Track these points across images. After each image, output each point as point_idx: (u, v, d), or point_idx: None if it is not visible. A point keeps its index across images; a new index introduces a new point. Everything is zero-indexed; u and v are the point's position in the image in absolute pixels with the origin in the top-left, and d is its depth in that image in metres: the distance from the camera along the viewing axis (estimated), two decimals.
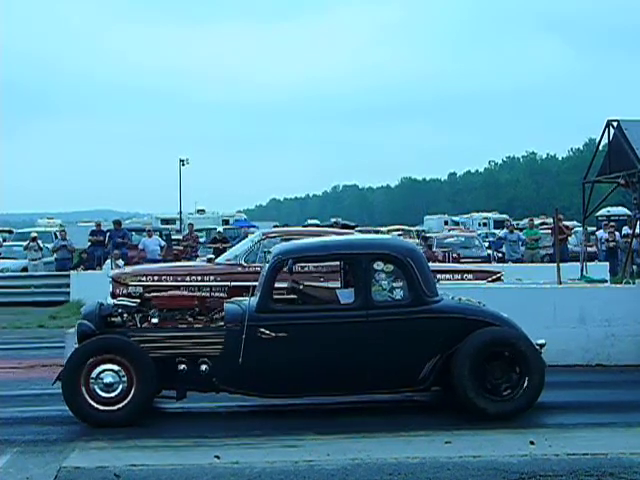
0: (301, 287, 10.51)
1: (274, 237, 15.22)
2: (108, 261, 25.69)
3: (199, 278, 15.37)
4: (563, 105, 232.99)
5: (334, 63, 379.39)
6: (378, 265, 9.60)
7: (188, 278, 15.39)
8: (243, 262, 14.96)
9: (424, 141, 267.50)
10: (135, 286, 15.14)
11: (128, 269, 17.11)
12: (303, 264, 13.05)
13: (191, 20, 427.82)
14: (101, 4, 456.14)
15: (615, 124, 15.95)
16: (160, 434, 8.72)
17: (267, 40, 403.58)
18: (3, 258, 31.37)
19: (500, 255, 32.89)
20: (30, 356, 14.38)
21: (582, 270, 16.72)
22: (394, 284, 9.62)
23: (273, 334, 9.23)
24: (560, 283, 13.90)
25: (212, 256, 18.72)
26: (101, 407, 8.99)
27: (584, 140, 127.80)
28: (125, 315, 9.82)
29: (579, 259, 18.77)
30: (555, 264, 15.74)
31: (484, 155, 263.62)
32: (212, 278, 15.36)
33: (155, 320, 9.64)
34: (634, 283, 13.58)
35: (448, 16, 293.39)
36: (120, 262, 24.63)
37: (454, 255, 31.30)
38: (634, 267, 23.03)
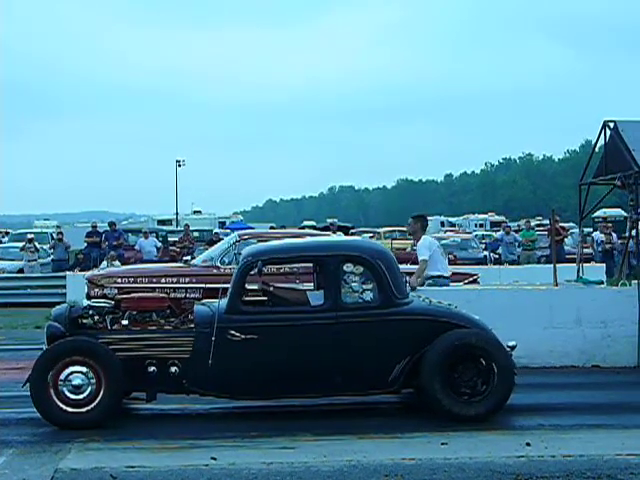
0: (271, 289, 10.48)
1: (250, 239, 15.23)
2: (104, 262, 25.67)
3: (174, 280, 15.39)
4: (560, 106, 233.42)
5: (331, 64, 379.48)
6: (348, 267, 9.61)
7: (163, 280, 15.39)
8: (218, 264, 14.98)
9: (420, 142, 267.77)
10: (110, 288, 15.15)
11: (103, 271, 17.14)
12: (279, 266, 13.09)
13: (190, 22, 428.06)
14: (101, 5, 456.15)
15: (611, 125, 15.90)
16: (156, 435, 8.71)
17: (264, 41, 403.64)
18: None
19: (496, 256, 32.87)
20: (26, 357, 14.29)
21: (578, 271, 16.68)
22: (364, 286, 9.62)
23: (242, 336, 9.22)
24: (556, 284, 13.89)
25: (188, 257, 18.75)
26: (70, 409, 8.96)
27: (580, 141, 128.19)
28: (96, 317, 9.80)
29: (575, 260, 18.76)
30: (551, 265, 15.74)
31: (480, 156, 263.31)
32: (187, 280, 15.36)
33: (125, 322, 9.61)
34: (630, 285, 13.57)
35: (445, 18, 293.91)
36: (117, 263, 24.62)
37: (450, 257, 31.30)
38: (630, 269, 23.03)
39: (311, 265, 11.04)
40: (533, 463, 7.57)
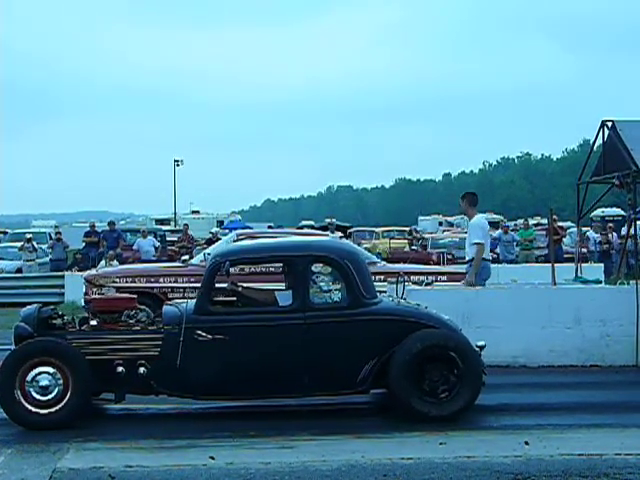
0: (240, 289, 10.45)
1: (248, 238, 15.24)
2: (102, 262, 25.68)
3: (172, 279, 15.43)
4: (558, 106, 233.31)
5: (330, 64, 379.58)
6: (316, 267, 9.63)
7: (161, 279, 15.44)
8: None
9: (419, 142, 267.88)
10: (108, 287, 15.17)
11: (101, 270, 17.18)
12: (245, 266, 13.10)
13: (190, 22, 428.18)
14: (101, 5, 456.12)
15: (610, 124, 15.93)
16: (154, 435, 8.69)
17: (265, 41, 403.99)
18: None
19: (495, 256, 32.85)
20: None
21: (577, 271, 16.71)
22: (332, 286, 9.63)
23: (210, 336, 9.20)
24: (555, 284, 13.92)
25: (186, 257, 18.79)
26: (37, 410, 8.92)
27: (579, 141, 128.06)
28: (65, 317, 9.82)
29: (574, 260, 18.78)
30: (549, 265, 15.76)
31: (479, 156, 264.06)
32: (185, 279, 15.40)
33: (94, 322, 9.60)
34: (629, 284, 13.57)
35: (444, 18, 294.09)
36: (115, 263, 24.62)
37: (448, 256, 31.34)
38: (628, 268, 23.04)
39: (281, 265, 11.03)
40: (532, 462, 7.55)
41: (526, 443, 8.13)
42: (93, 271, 17.54)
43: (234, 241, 15.23)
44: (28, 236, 31.49)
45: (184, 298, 13.67)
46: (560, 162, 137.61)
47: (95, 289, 15.49)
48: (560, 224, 32.13)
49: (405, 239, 44.60)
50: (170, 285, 15.47)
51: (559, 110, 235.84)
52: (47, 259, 31.97)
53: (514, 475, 7.22)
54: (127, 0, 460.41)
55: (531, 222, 35.24)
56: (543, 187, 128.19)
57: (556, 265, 15.06)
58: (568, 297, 12.96)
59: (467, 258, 13.83)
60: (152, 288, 15.36)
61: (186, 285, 15.26)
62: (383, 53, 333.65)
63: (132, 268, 17.63)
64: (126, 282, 15.47)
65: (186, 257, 18.83)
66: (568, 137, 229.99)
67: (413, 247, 38.65)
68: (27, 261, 29.95)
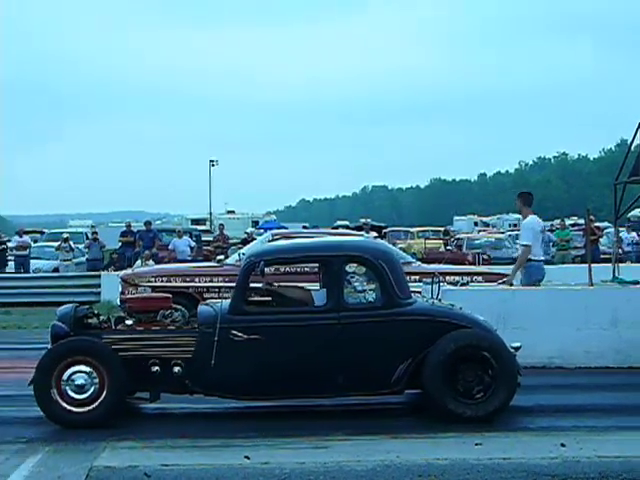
0: (275, 289, 10.43)
1: (283, 238, 15.25)
2: (138, 261, 25.82)
3: (207, 279, 15.48)
4: (595, 105, 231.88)
5: (366, 63, 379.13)
6: (350, 267, 9.58)
7: (197, 279, 15.51)
8: None
9: (454, 141, 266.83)
10: (144, 287, 15.25)
11: (137, 270, 17.26)
12: (280, 266, 13.16)
13: (226, 21, 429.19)
14: (137, 5, 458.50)
15: None
16: (190, 434, 8.73)
17: (296, 41, 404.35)
18: (35, 259, 31.57)
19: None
20: None
21: (614, 271, 16.57)
22: (367, 286, 9.59)
23: (245, 336, 9.21)
24: (592, 284, 13.80)
25: (222, 257, 18.84)
26: (73, 409, 8.98)
27: (616, 140, 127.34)
28: (101, 317, 9.88)
29: (610, 260, 18.63)
30: (586, 265, 15.63)
31: (514, 155, 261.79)
32: (220, 279, 15.45)
33: (129, 322, 9.65)
34: None
35: (477, 14, 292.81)
36: (151, 262, 24.75)
37: (484, 256, 31.24)
38: None
39: (317, 265, 11.05)
40: (568, 464, 7.51)
41: (562, 445, 8.08)
42: (129, 270, 17.67)
43: (269, 241, 15.25)
44: (65, 236, 31.70)
45: (219, 298, 13.66)
46: (597, 162, 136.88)
47: (131, 288, 15.59)
48: (597, 224, 31.93)
49: (440, 239, 44.47)
50: (205, 285, 15.53)
51: (596, 109, 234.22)
52: (84, 259, 32.19)
53: (550, 477, 7.19)
54: (160, 2, 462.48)
55: (568, 222, 35.07)
56: (580, 187, 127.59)
57: (593, 265, 14.92)
58: (605, 298, 12.87)
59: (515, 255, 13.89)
60: (187, 288, 15.43)
61: (221, 285, 15.30)
62: (414, 52, 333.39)
63: (168, 268, 17.74)
64: (162, 282, 15.55)
65: (221, 257, 18.89)
66: (605, 137, 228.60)
67: (448, 247, 38.52)
68: (64, 261, 30.16)
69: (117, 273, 20.67)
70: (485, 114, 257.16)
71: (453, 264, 19.86)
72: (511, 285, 13.05)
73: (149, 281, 15.62)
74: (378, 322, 9.33)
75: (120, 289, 16.23)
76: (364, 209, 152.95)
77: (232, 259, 16.74)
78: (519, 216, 67.87)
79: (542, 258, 13.72)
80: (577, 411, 9.87)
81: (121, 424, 9.05)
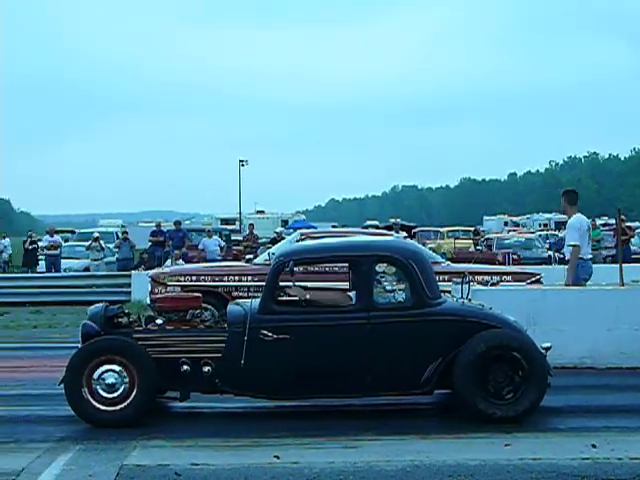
0: (304, 289, 10.41)
1: (311, 238, 15.25)
2: (168, 261, 25.90)
3: (236, 278, 15.52)
4: (626, 104, 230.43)
5: (394, 64, 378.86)
6: (380, 267, 9.57)
7: (226, 278, 15.55)
8: None
9: (484, 141, 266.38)
10: (173, 286, 15.32)
11: (166, 269, 17.33)
12: (311, 266, 13.17)
13: (254, 21, 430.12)
14: (165, 6, 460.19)
15: None
16: (219, 433, 8.76)
17: (329, 42, 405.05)
18: (66, 258, 31.77)
19: (561, 256, 32.44)
20: None
21: None
22: (396, 286, 9.58)
23: (275, 336, 9.20)
24: (623, 284, 13.70)
25: (251, 256, 18.86)
26: (103, 407, 9.02)
27: None
28: (131, 316, 9.92)
29: None
30: (617, 265, 15.54)
31: (545, 155, 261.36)
32: (249, 278, 15.49)
33: (159, 321, 9.70)
34: None
35: (506, 14, 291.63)
36: (181, 262, 24.84)
37: (514, 256, 31.11)
38: None
39: (346, 265, 11.03)
40: (599, 465, 7.47)
41: (593, 446, 8.03)
42: (159, 270, 17.73)
43: (297, 241, 15.26)
44: (95, 235, 31.87)
45: (248, 297, 13.70)
46: (628, 162, 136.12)
47: (160, 288, 15.66)
48: (628, 224, 31.73)
49: (470, 239, 44.36)
50: (234, 284, 15.57)
51: (627, 109, 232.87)
52: (114, 258, 32.35)
53: (581, 478, 7.14)
54: (189, 1, 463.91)
55: (598, 222, 34.90)
56: (610, 187, 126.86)
57: (624, 265, 14.81)
58: (636, 298, 12.77)
59: (565, 258, 13.83)
60: (217, 287, 15.48)
61: (250, 284, 15.34)
62: (442, 52, 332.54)
63: (197, 267, 17.79)
64: (191, 281, 15.62)
65: (250, 256, 18.92)
66: (636, 136, 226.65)
67: (478, 247, 38.41)
68: (94, 260, 30.32)
69: (147, 273, 20.75)
70: (516, 114, 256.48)
71: (483, 264, 19.77)
72: (567, 286, 12.98)
73: (178, 280, 15.69)
74: (408, 322, 9.31)
75: (149, 288, 16.31)
76: (393, 209, 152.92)
77: (261, 258, 16.77)
78: (549, 215, 67.68)
79: (589, 257, 13.64)
80: (608, 412, 9.81)
81: (151, 423, 9.09)
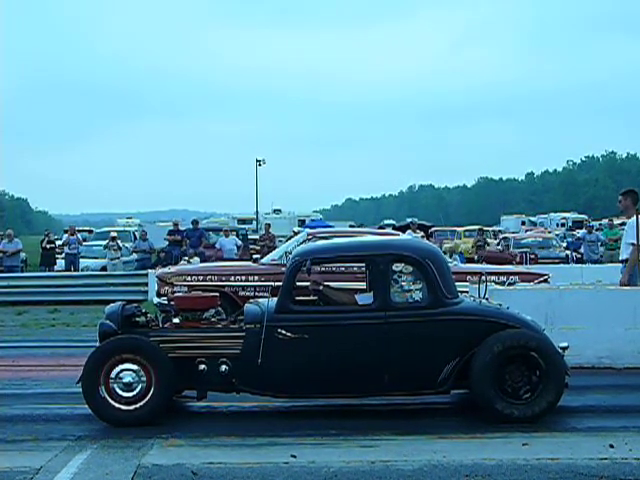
0: (321, 288, 10.41)
1: (319, 237, 15.22)
2: (182, 261, 25.92)
3: (243, 278, 15.52)
4: None
5: (411, 65, 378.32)
6: (397, 266, 9.53)
7: (232, 278, 15.56)
8: (286, 262, 15.03)
9: (501, 140, 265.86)
10: (180, 286, 15.33)
11: (173, 268, 17.35)
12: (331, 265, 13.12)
13: (274, 21, 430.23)
14: (190, 5, 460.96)
15: None
16: (236, 432, 8.77)
17: (348, 42, 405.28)
18: (83, 257, 31.87)
19: (579, 256, 32.48)
20: None
21: None
22: (413, 286, 9.55)
23: (292, 335, 9.21)
24: None
25: (258, 256, 18.85)
26: (120, 406, 9.04)
27: None
28: (148, 315, 9.93)
29: None
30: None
31: (562, 155, 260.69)
32: (256, 278, 15.48)
33: (176, 320, 9.71)
34: None
35: (525, 16, 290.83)
36: (195, 260, 24.86)
37: (531, 256, 31.05)
38: None
39: (363, 264, 11.01)
40: (617, 465, 7.45)
41: (611, 446, 8.01)
42: (166, 269, 17.73)
43: (304, 241, 15.22)
44: (113, 235, 31.94)
45: (254, 297, 13.68)
46: None
47: (167, 287, 15.69)
48: None
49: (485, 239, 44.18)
50: (241, 284, 15.57)
51: None
52: (131, 257, 32.44)
53: (598, 478, 7.13)
54: (206, 3, 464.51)
55: (616, 222, 34.71)
56: (628, 186, 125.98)
57: None
58: None
59: (621, 257, 13.70)
60: (223, 286, 15.48)
61: (257, 283, 15.36)
62: (460, 54, 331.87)
63: (204, 266, 17.79)
64: (197, 280, 15.63)
65: (257, 256, 18.90)
66: None
67: (479, 245, 38.36)
68: (112, 259, 30.39)
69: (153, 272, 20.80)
70: (533, 113, 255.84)
71: (495, 264, 19.72)
72: (626, 286, 12.89)
73: (185, 280, 15.70)
74: (425, 322, 9.29)
75: (156, 288, 16.34)
76: (410, 208, 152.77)
77: (267, 258, 16.76)
78: (567, 215, 67.17)
79: None
80: (626, 412, 9.77)
81: (168, 422, 9.11)
